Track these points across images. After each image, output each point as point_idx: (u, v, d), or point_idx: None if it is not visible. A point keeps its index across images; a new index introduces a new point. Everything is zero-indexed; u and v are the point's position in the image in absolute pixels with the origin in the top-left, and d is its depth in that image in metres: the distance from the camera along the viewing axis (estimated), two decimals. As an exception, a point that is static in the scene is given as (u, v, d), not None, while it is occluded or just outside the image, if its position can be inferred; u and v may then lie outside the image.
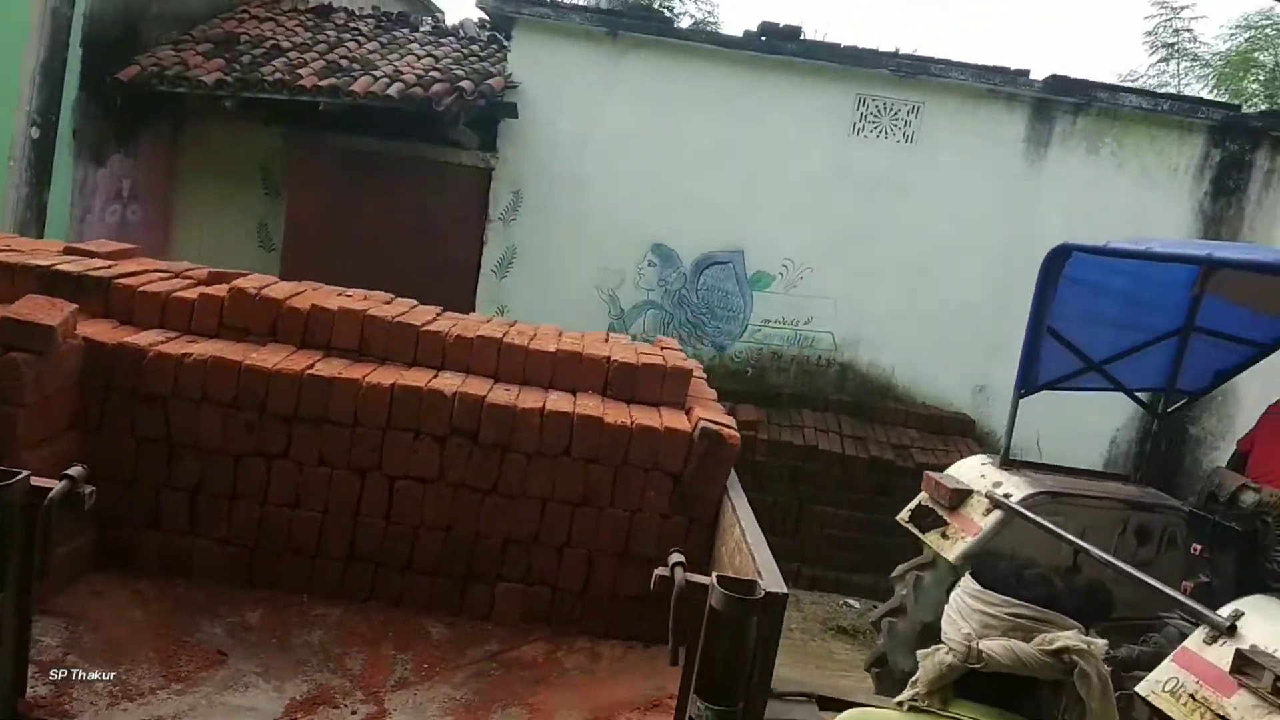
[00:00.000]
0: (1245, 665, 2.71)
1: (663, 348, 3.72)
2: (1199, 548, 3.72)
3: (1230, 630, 2.90)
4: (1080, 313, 4.19)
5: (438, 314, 3.62)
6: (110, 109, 7.27)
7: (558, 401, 3.14)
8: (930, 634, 4.12)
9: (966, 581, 1.63)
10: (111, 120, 7.33)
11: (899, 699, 1.67)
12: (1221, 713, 2.73)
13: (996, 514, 3.98)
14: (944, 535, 4.14)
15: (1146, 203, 7.95)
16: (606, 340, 3.67)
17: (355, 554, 3.15)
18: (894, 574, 4.42)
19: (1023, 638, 1.54)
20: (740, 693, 2.13)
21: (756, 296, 8.21)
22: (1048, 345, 4.14)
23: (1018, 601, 1.56)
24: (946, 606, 1.66)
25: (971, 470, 4.33)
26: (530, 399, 3.13)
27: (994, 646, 1.54)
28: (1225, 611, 2.98)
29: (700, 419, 3.11)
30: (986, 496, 4.06)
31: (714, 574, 2.12)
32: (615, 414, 3.11)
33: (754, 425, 7.13)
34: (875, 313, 8.06)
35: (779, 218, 7.96)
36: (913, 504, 4.36)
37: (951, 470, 4.43)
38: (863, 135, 7.98)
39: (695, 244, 8.12)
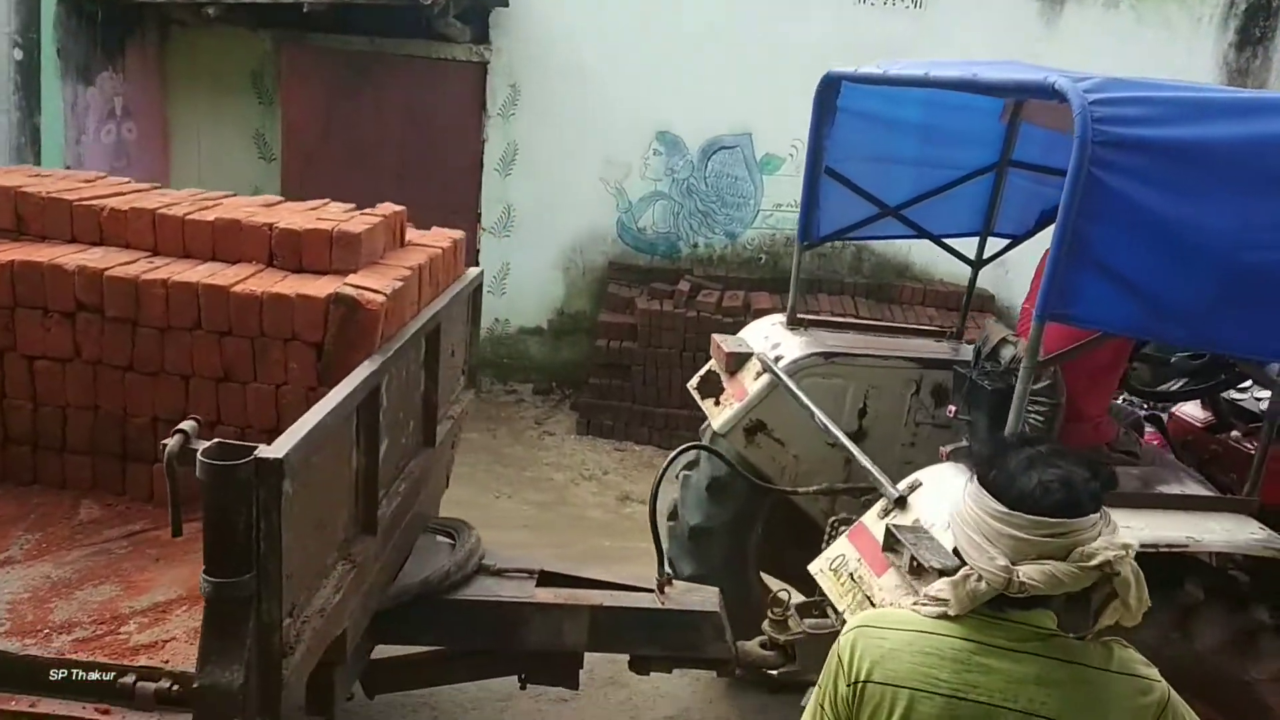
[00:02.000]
0: (893, 543, 2.42)
1: (384, 215, 3.37)
2: (954, 409, 3.37)
3: (900, 503, 2.60)
4: (870, 152, 3.73)
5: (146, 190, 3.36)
6: (92, 23, 6.95)
7: (193, 272, 2.88)
8: (701, 535, 3.94)
9: (983, 498, 1.58)
10: (95, 36, 7.03)
11: (914, 605, 1.71)
12: (868, 593, 2.47)
13: (765, 379, 3.65)
14: (717, 402, 3.84)
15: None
16: (315, 209, 3.34)
17: (10, 437, 3.02)
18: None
19: (1058, 554, 1.52)
20: (241, 565, 2.07)
21: (767, 180, 7.88)
22: (830, 189, 3.71)
23: (1047, 519, 1.53)
24: (959, 523, 1.63)
25: (758, 332, 3.99)
26: (167, 271, 2.88)
27: (1034, 574, 1.51)
28: (907, 482, 2.68)
29: (345, 285, 2.82)
30: (759, 360, 3.73)
31: (212, 441, 2.04)
32: (252, 283, 2.84)
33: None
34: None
35: (785, 96, 7.40)
36: (703, 370, 4.05)
37: (743, 332, 4.09)
38: (869, 2, 7.50)
39: (701, 129, 7.79)
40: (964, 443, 3.33)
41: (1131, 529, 2.36)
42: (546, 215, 7.89)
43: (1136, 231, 2.22)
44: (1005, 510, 1.56)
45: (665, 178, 7.89)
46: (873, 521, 2.63)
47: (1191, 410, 3.63)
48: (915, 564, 2.33)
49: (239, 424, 2.92)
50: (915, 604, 1.69)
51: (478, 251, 7.93)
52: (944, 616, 1.63)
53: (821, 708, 1.70)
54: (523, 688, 3.37)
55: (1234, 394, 3.52)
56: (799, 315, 3.95)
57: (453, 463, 3.92)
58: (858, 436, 3.80)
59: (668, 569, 3.47)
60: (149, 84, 7.68)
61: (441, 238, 3.62)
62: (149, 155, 7.65)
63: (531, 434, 7.37)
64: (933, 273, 7.87)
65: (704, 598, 3.35)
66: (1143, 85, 2.30)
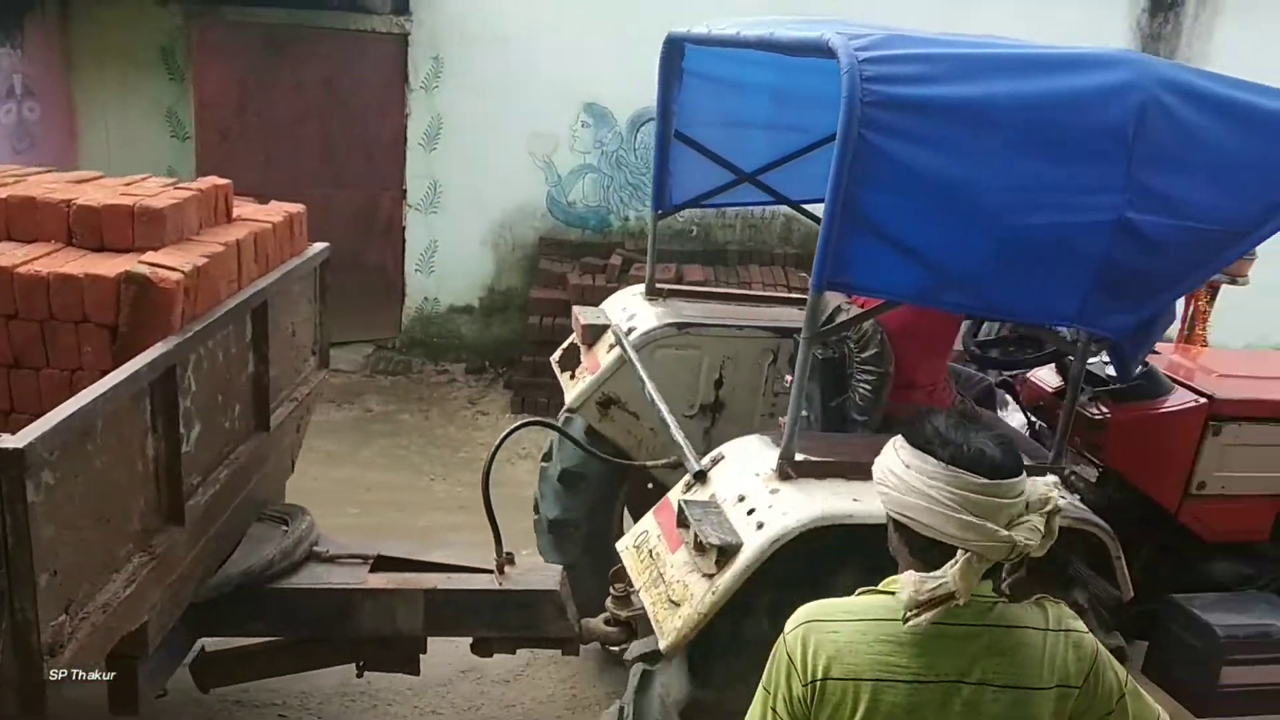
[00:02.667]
0: (683, 519, 2.36)
1: (208, 187, 3.24)
2: (789, 378, 3.30)
3: (700, 477, 2.54)
4: (721, 116, 3.64)
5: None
6: (-18, -5, 6.62)
7: (-19, 253, 2.75)
8: (561, 528, 3.87)
9: (968, 478, 1.52)
10: (-13, 10, 6.67)
11: (860, 591, 1.65)
12: (661, 569, 2.42)
13: (616, 351, 3.57)
14: (572, 376, 3.77)
15: (1081, 23, 7.22)
16: (129, 185, 3.20)
17: None
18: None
19: (1035, 514, 1.54)
20: None
21: None
22: (681, 155, 3.62)
23: (1019, 479, 1.55)
24: (940, 503, 1.53)
25: (617, 303, 3.91)
26: (-51, 251, 2.75)
27: (1025, 535, 1.52)
28: (711, 456, 2.62)
29: (138, 263, 2.71)
30: (613, 332, 3.65)
31: None
32: (41, 263, 2.72)
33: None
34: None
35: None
36: (565, 343, 3.97)
37: (605, 303, 4.01)
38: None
39: (629, 100, 7.54)
40: (803, 413, 3.28)
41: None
42: (474, 190, 7.70)
43: (911, 195, 2.15)
44: (992, 482, 1.52)
45: (594, 150, 7.71)
46: (675, 496, 2.57)
47: (1045, 376, 3.60)
48: (698, 540, 2.27)
49: (34, 412, 2.75)
50: (861, 591, 1.65)
51: (404, 229, 7.78)
52: (876, 593, 1.63)
53: (774, 711, 1.63)
54: (359, 675, 3.29)
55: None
56: (658, 285, 3.87)
57: (298, 447, 3.82)
58: (715, 408, 3.75)
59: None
60: (51, 60, 7.35)
61: (275, 212, 3.49)
62: (54, 136, 7.33)
63: (465, 414, 7.23)
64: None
65: (545, 577, 3.28)
66: (922, 41, 2.22)
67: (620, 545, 2.64)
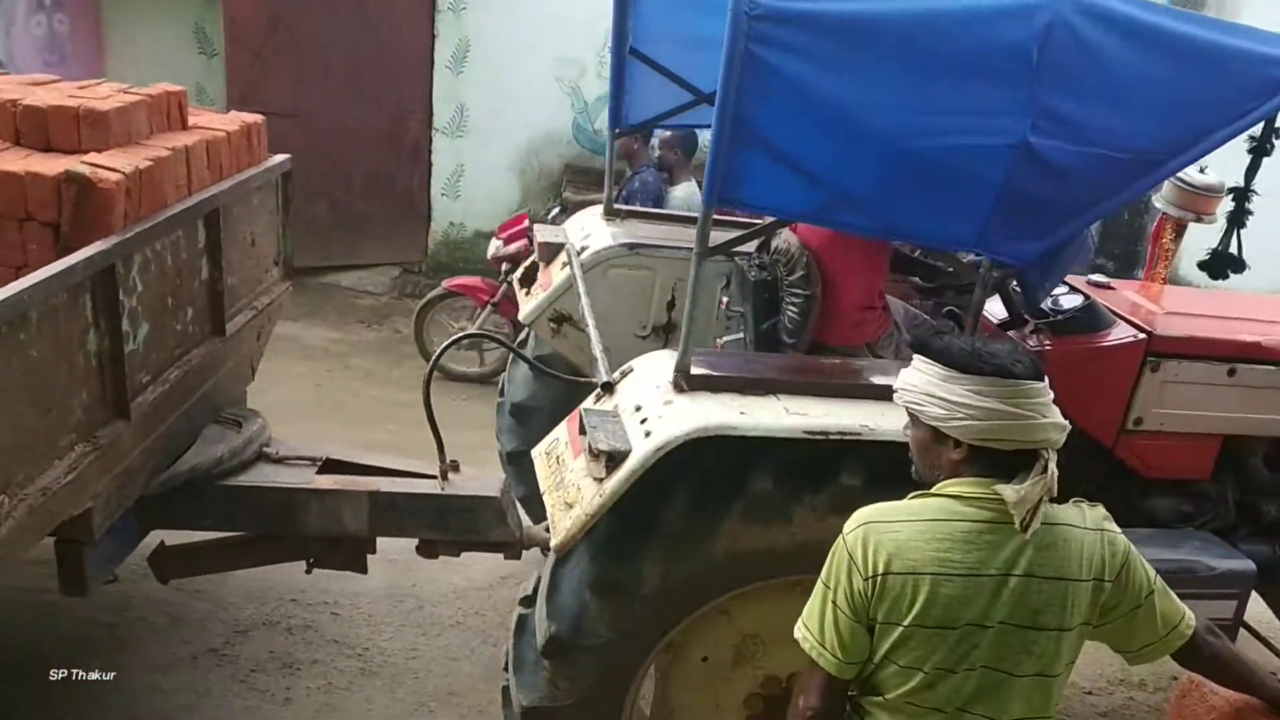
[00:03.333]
0: (584, 427, 2.44)
1: (159, 93, 3.30)
2: (725, 300, 3.34)
3: (608, 388, 2.61)
4: (679, 33, 3.60)
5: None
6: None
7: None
8: (524, 413, 3.95)
9: (1015, 384, 1.68)
10: (13, -83, 6.66)
11: (914, 495, 1.78)
12: (563, 474, 2.50)
13: (567, 271, 3.62)
14: (528, 293, 3.83)
15: None
16: (83, 88, 3.27)
17: None
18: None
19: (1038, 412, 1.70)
20: None
21: None
22: (638, 72, 3.61)
23: (1039, 383, 1.72)
24: (1021, 416, 1.68)
25: (578, 222, 3.95)
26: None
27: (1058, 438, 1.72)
28: (622, 369, 2.68)
29: (80, 163, 2.79)
30: (567, 250, 3.70)
31: None
32: (-13, 163, 2.81)
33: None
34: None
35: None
36: (528, 261, 4.02)
37: (566, 222, 4.05)
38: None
39: None
40: (739, 334, 3.33)
41: (809, 416, 2.37)
42: (500, 115, 7.69)
43: (802, 112, 2.15)
44: (1029, 383, 1.70)
45: (623, 77, 7.66)
46: (587, 404, 2.64)
47: (992, 308, 3.59)
48: (591, 447, 2.35)
49: (-17, 306, 2.92)
50: (914, 495, 1.78)
51: (430, 152, 7.77)
52: (932, 496, 1.75)
53: (834, 604, 1.75)
54: (308, 572, 3.44)
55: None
56: (616, 206, 3.89)
57: (259, 355, 3.93)
58: (668, 329, 3.80)
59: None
60: (81, -29, 7.41)
61: (231, 121, 3.55)
62: (83, 50, 7.34)
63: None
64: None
65: (486, 484, 3.39)
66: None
67: (534, 452, 2.73)
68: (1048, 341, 3.36)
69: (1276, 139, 2.53)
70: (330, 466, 3.40)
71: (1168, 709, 2.08)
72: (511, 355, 4.10)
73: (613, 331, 3.64)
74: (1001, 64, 2.19)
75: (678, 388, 2.42)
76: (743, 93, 2.10)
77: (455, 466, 3.40)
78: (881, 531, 1.73)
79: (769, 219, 2.46)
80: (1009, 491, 1.68)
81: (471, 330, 3.60)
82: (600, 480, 2.31)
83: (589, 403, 2.64)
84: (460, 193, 7.90)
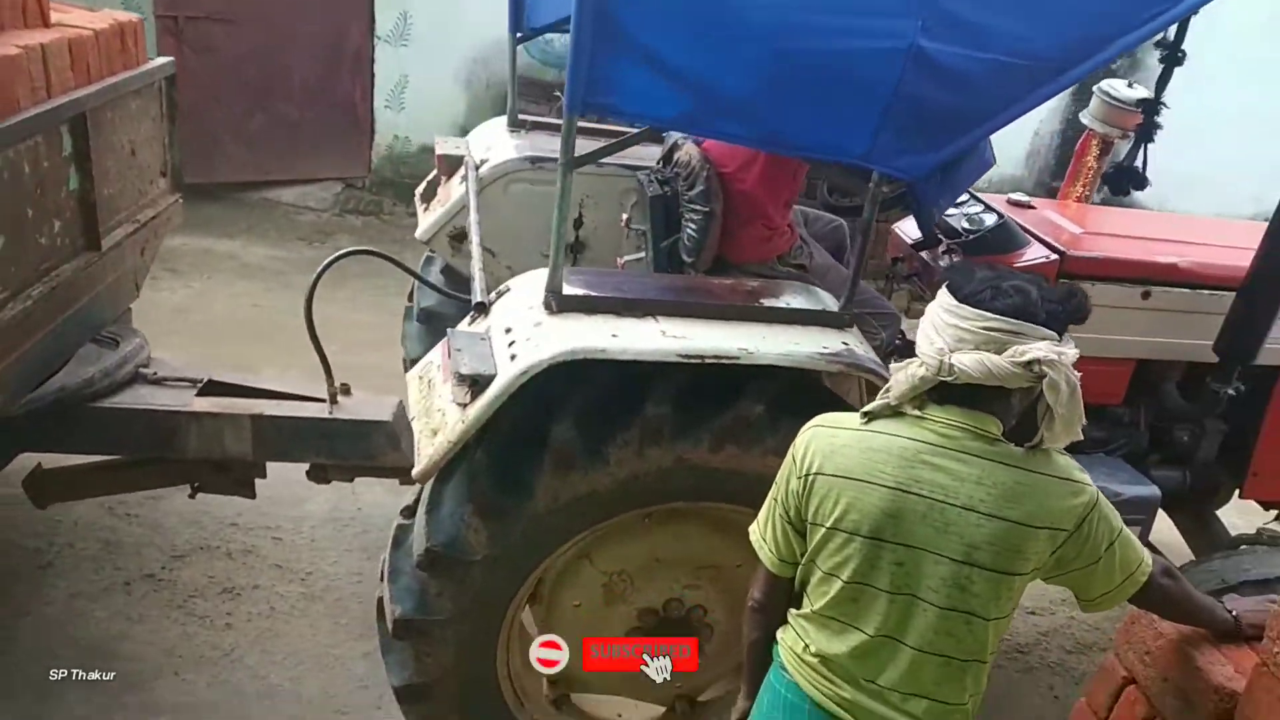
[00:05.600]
0: (450, 350, 2.30)
1: None
2: (626, 216, 3.19)
3: (481, 308, 2.47)
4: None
5: None
6: None
7: None
8: (427, 318, 3.79)
9: (942, 295, 1.68)
10: None
11: (866, 409, 1.74)
12: (430, 400, 2.37)
13: (465, 186, 3.43)
14: (426, 209, 3.65)
15: None
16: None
17: None
18: None
19: (995, 350, 1.59)
20: None
21: None
22: (541, -27, 3.37)
23: (991, 314, 1.61)
24: (921, 320, 1.71)
25: (481, 135, 3.75)
26: None
27: (965, 360, 1.60)
28: (500, 289, 2.54)
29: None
30: (466, 164, 3.50)
31: None
32: None
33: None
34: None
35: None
36: (430, 175, 3.82)
37: (470, 135, 3.84)
38: None
39: None
40: (641, 254, 3.19)
41: (685, 339, 2.25)
42: (446, 23, 7.33)
43: (673, 6, 1.98)
44: (956, 303, 1.64)
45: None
46: (464, 326, 2.50)
47: (907, 228, 3.47)
48: (456, 370, 2.22)
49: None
50: (863, 410, 1.75)
51: (373, 61, 7.43)
52: (893, 415, 1.71)
53: (775, 500, 1.81)
54: (192, 496, 3.33)
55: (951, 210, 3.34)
56: (521, 117, 3.69)
57: (145, 271, 3.73)
58: (576, 247, 3.64)
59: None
60: None
61: (102, 19, 3.29)
62: None
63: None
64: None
65: (378, 408, 3.27)
66: None
67: (409, 375, 2.60)
68: (959, 261, 3.25)
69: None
70: (212, 389, 3.26)
71: (1115, 634, 2.06)
72: (422, 262, 3.92)
73: (517, 250, 3.48)
74: None
75: (548, 308, 2.29)
76: (606, -14, 1.92)
77: (345, 390, 3.27)
78: (824, 436, 1.74)
79: (640, 128, 2.30)
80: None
81: (361, 248, 3.39)
82: (464, 406, 2.19)
83: (462, 325, 2.50)
84: (405, 104, 7.57)
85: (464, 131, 7.41)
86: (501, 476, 2.30)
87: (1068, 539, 1.67)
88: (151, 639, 3.26)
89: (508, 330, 2.29)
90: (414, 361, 3.77)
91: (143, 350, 3.29)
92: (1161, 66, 2.46)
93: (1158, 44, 2.36)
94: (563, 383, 2.23)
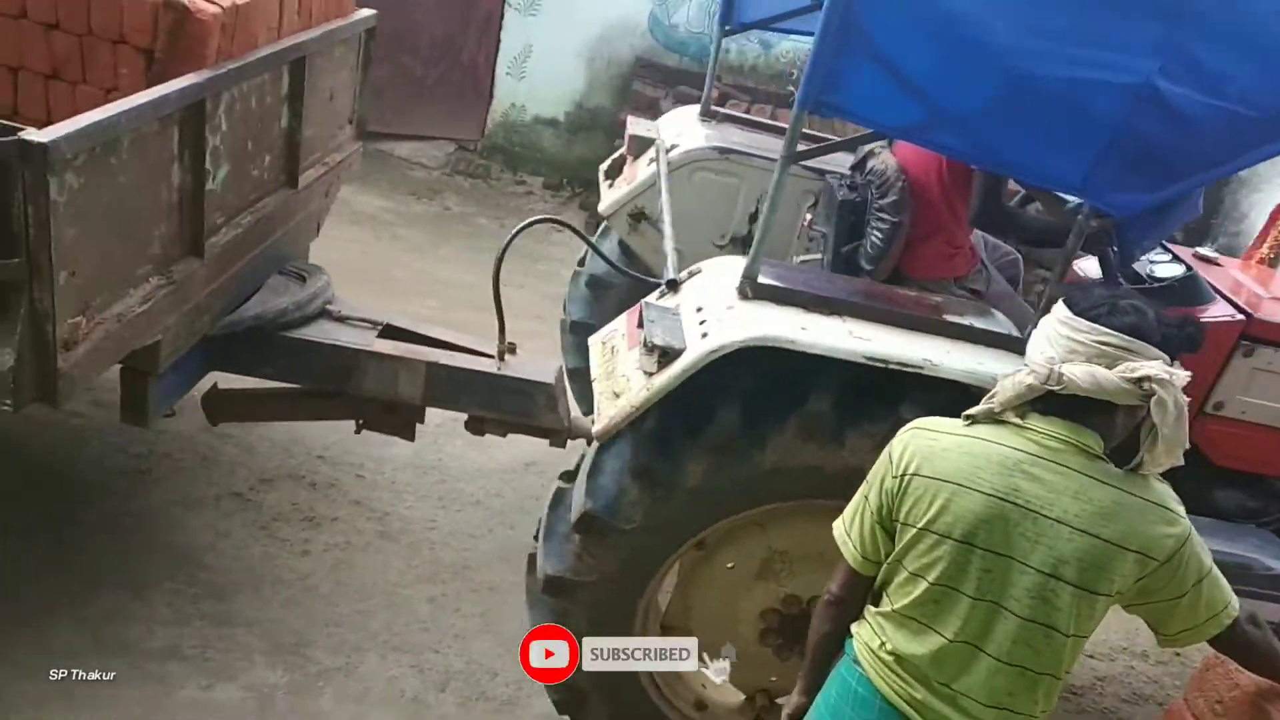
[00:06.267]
0: (642, 320, 2.41)
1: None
2: (809, 218, 3.23)
3: (673, 285, 2.57)
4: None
5: None
6: None
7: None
8: (582, 330, 3.86)
9: (1058, 309, 1.69)
10: None
11: (968, 412, 1.75)
12: (614, 365, 2.49)
13: (653, 168, 3.55)
14: (611, 185, 3.77)
15: None
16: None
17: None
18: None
19: (1106, 365, 1.61)
20: (6, 248, 2.14)
21: None
22: (755, -28, 3.45)
23: (1106, 330, 1.63)
24: (1035, 330, 1.74)
25: (673, 119, 3.85)
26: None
27: (1076, 370, 1.62)
28: (690, 269, 2.64)
29: (180, -8, 2.78)
30: (656, 146, 3.62)
31: None
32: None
33: None
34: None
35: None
36: (616, 154, 3.95)
37: (661, 119, 3.95)
38: None
39: None
40: (818, 256, 3.24)
41: (871, 342, 2.30)
42: None
43: (917, 19, 2.03)
44: (1072, 316, 1.66)
45: (706, -34, 7.23)
46: (652, 300, 2.60)
47: (1087, 267, 3.41)
48: (647, 341, 2.32)
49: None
50: (966, 414, 1.77)
51: (501, 27, 7.52)
52: (996, 423, 1.72)
53: (866, 499, 1.82)
54: (357, 432, 3.48)
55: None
56: (714, 108, 3.78)
57: (325, 212, 3.93)
58: (747, 241, 3.70)
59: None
60: None
61: (322, -34, 3.50)
62: None
63: (540, 229, 7.26)
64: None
65: (541, 370, 3.39)
66: None
67: (591, 339, 2.71)
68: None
69: None
70: (390, 333, 3.42)
71: (1188, 680, 2.03)
72: (599, 230, 4.05)
73: (690, 237, 3.58)
74: None
75: (743, 294, 2.37)
76: (858, -10, 1.98)
77: (513, 349, 3.40)
78: (923, 437, 1.74)
79: (863, 131, 2.35)
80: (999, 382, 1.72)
81: (550, 216, 3.51)
82: (650, 375, 2.29)
83: (653, 298, 2.61)
84: (526, 74, 7.63)
85: (581, 108, 7.70)
86: (665, 449, 2.39)
87: (1157, 568, 1.65)
88: (236, 555, 3.43)
89: (699, 309, 2.38)
90: (575, 323, 3.95)
91: (329, 288, 3.48)
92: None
93: None
94: (728, 369, 2.29)
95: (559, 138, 7.89)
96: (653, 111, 6.98)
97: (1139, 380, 1.58)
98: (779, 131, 3.87)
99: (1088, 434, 1.67)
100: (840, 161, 3.67)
